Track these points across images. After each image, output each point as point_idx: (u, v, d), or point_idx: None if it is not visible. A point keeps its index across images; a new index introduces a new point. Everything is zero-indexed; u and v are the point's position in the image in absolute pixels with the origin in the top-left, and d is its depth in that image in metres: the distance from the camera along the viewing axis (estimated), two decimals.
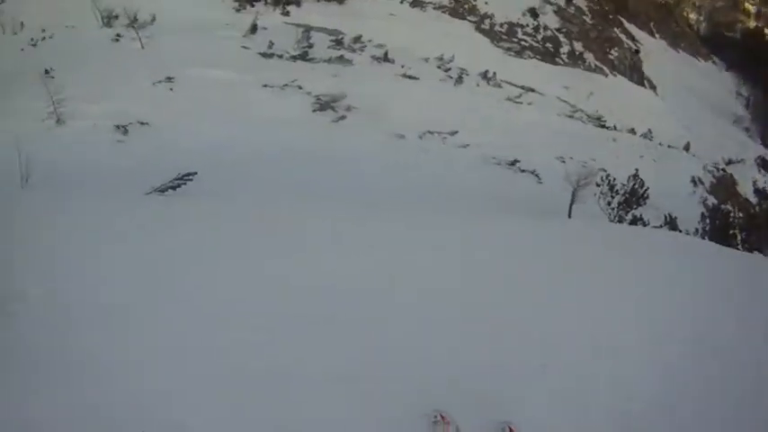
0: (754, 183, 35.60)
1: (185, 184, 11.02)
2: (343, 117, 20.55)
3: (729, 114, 61.99)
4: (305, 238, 7.62)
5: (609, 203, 17.21)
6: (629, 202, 17.43)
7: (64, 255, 6.22)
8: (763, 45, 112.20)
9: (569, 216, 16.85)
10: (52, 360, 4.43)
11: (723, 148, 40.45)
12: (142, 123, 17.39)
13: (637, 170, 18.57)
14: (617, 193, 17.33)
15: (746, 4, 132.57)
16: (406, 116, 21.84)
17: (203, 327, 5.19)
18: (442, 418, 4.57)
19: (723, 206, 27.53)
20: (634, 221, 16.84)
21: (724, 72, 78.88)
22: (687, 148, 35.21)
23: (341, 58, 26.95)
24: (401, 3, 38.42)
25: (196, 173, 11.20)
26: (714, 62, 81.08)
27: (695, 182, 29.11)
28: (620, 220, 16.98)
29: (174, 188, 10.82)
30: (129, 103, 18.32)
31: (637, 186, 17.72)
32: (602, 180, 17.64)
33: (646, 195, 17.74)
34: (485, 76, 31.68)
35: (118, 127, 17.17)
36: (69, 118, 17.12)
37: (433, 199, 15.12)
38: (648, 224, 16.64)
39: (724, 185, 31.45)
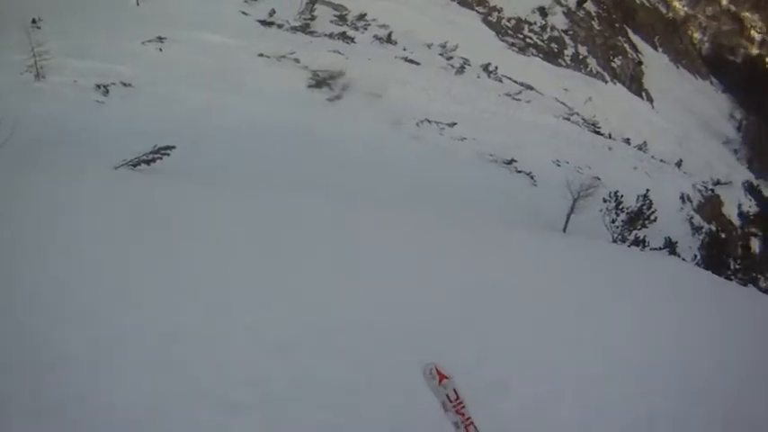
0: (740, 206, 35.69)
1: (161, 158, 9.92)
2: (338, 96, 19.76)
3: (721, 135, 62.68)
4: (277, 231, 7.22)
5: (613, 221, 16.77)
6: (634, 221, 16.95)
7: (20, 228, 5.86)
8: (761, 72, 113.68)
9: (565, 229, 16.44)
10: None
11: (712, 168, 40.57)
12: (125, 84, 16.45)
13: (647, 191, 18.18)
14: (622, 210, 16.88)
15: (752, 31, 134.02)
16: (404, 102, 21.27)
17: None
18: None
19: (707, 226, 27.78)
20: (636, 242, 16.46)
21: (720, 93, 79.73)
22: (679, 164, 35.30)
23: (343, 34, 26.23)
24: None
25: (174, 147, 10.04)
26: (711, 82, 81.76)
27: (683, 199, 29.21)
28: (623, 240, 16.61)
29: (147, 162, 9.77)
30: (115, 61, 17.32)
31: (644, 207, 17.26)
32: (609, 197, 17.16)
33: (653, 218, 17.27)
34: (486, 68, 31.18)
35: (99, 86, 16.19)
36: (50, 73, 16.14)
37: (423, 194, 14.44)
38: (648, 244, 16.47)
39: (710, 205, 31.82)
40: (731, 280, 16.04)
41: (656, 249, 16.49)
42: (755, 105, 77.28)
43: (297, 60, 20.26)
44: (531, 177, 20.72)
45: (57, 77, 16.06)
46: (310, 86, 19.30)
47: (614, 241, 16.34)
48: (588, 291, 8.51)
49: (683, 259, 16.66)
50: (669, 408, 5.71)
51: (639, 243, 16.38)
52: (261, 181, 10.84)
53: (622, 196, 17.06)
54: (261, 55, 19.33)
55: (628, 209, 16.90)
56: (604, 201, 16.91)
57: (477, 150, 20.76)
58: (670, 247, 16.81)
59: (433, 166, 17.47)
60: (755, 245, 28.51)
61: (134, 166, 9.50)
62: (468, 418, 4.42)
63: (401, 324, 5.58)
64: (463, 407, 4.43)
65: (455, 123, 21.59)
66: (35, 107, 13.70)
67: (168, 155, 9.78)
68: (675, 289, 10.33)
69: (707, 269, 15.79)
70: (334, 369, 4.75)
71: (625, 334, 7.27)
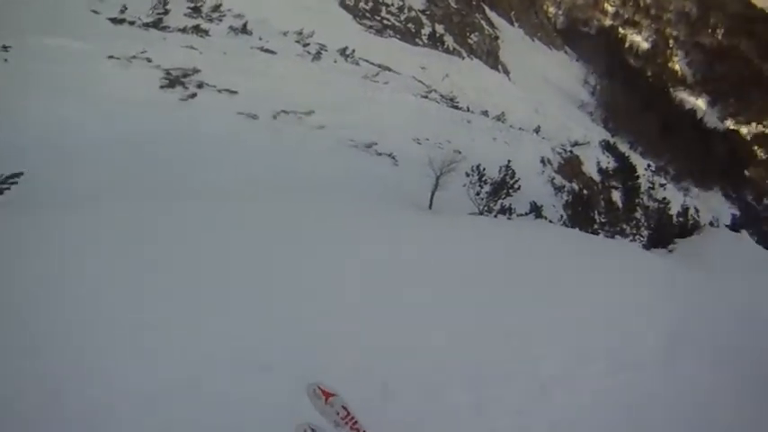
0: (598, 163, 38.66)
1: (9, 188, 9.22)
2: (193, 95, 19.25)
3: (576, 100, 66.55)
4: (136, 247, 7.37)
5: (478, 194, 17.51)
6: (498, 192, 17.83)
7: None
8: (613, 41, 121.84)
9: (430, 206, 16.91)
10: None
11: (570, 131, 42.85)
12: None
13: (509, 161, 19.07)
14: (485, 183, 17.69)
15: (606, 4, 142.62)
16: (261, 94, 21.25)
17: None
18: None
19: (569, 185, 29.59)
20: (502, 211, 17.40)
21: (574, 62, 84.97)
22: (537, 130, 37.14)
23: (197, 27, 25.50)
24: None
25: (22, 173, 9.45)
26: (566, 52, 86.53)
27: (544, 162, 31.16)
28: (489, 210, 17.41)
29: None
30: None
31: (507, 177, 18.20)
32: (472, 170, 17.90)
33: (516, 186, 18.23)
34: (343, 53, 31.63)
35: None
36: None
37: (284, 188, 14.66)
38: (515, 212, 17.52)
39: (570, 165, 33.96)
40: (598, 234, 17.62)
41: (522, 215, 17.59)
42: (608, 71, 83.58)
43: (149, 60, 19.68)
44: (393, 158, 21.27)
45: None
46: (163, 87, 18.69)
47: (481, 213, 17.09)
48: (455, 264, 9.14)
49: (550, 221, 17.86)
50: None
51: (506, 211, 17.39)
52: (114, 193, 10.78)
53: (484, 169, 17.87)
54: (111, 57, 18.58)
55: (491, 180, 17.78)
56: (467, 175, 17.66)
57: (336, 137, 21.05)
58: (536, 211, 18.05)
59: (292, 157, 17.62)
60: (617, 197, 30.83)
61: None
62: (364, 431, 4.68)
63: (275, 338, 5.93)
64: (356, 422, 4.73)
65: (312, 112, 21.82)
66: None
67: (16, 183, 9.33)
68: (545, 249, 11.52)
69: (574, 227, 17.19)
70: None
71: (495, 295, 8.22)
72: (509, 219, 16.81)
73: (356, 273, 7.97)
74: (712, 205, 63.73)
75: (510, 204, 17.87)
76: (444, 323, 7.08)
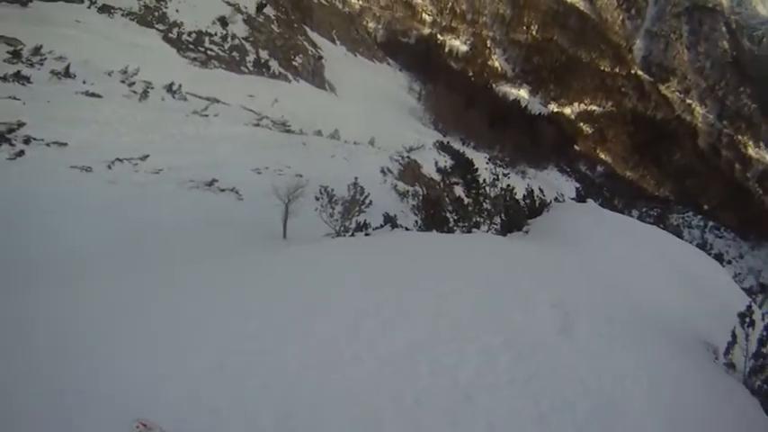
0: (436, 163, 41.32)
1: None
2: (21, 152, 18.32)
3: (404, 107, 69.35)
4: None
5: (331, 215, 17.75)
6: (351, 210, 18.15)
7: None
8: (433, 47, 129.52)
9: (284, 235, 17.21)
10: None
11: (404, 138, 45.34)
12: None
13: (356, 178, 19.13)
14: (336, 203, 17.91)
15: (424, 14, 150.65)
16: (92, 143, 20.80)
17: None
18: (144, 425, 4.97)
19: (413, 188, 30.83)
20: (359, 228, 17.62)
21: (398, 72, 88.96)
22: (372, 142, 39.01)
23: (17, 74, 24.45)
24: (88, 8, 37.14)
25: None
26: (389, 63, 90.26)
27: (384, 172, 32.32)
28: (346, 230, 17.71)
29: None
30: None
31: (357, 195, 18.48)
32: (320, 193, 18.01)
33: (368, 202, 18.67)
34: (170, 89, 31.57)
35: None
36: None
37: (125, 243, 14.24)
38: (370, 226, 17.73)
39: (410, 170, 35.38)
40: (454, 231, 17.83)
41: (378, 228, 17.73)
42: (430, 76, 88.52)
43: None
44: (237, 192, 21.35)
45: None
46: None
47: (338, 234, 17.40)
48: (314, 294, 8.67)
49: (406, 228, 18.05)
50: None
51: (362, 228, 17.62)
52: None
53: (333, 190, 18.08)
54: None
55: (342, 200, 18.04)
56: (317, 198, 17.89)
57: (175, 179, 20.85)
58: (390, 221, 18.25)
59: (130, 207, 17.20)
60: (460, 192, 32.54)
61: None
62: None
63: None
64: None
65: (147, 156, 21.61)
66: None
67: None
68: (407, 257, 11.39)
69: (430, 230, 17.44)
70: None
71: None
72: (367, 234, 16.75)
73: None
74: (552, 182, 68.86)
75: (365, 220, 18.06)
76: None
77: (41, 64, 27.30)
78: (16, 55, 26.79)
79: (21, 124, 19.81)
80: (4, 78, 23.87)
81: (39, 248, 12.96)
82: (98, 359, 6.34)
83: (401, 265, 10.58)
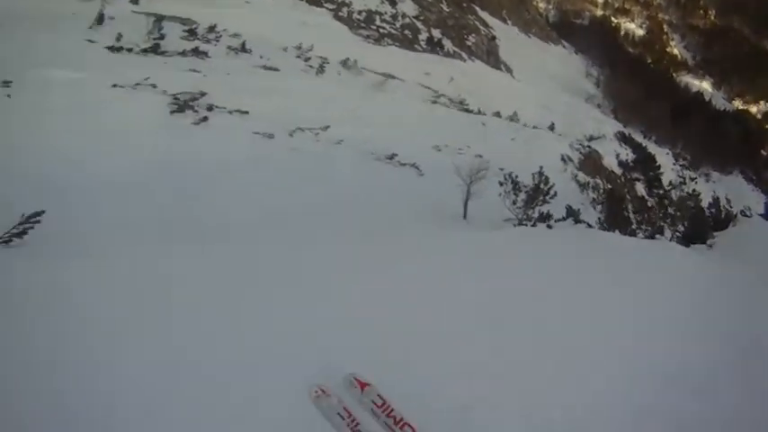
0: (617, 156, 37.48)
1: (32, 227, 8.42)
2: (205, 118, 18.21)
3: (582, 93, 65.12)
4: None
5: (514, 202, 16.79)
6: (534, 199, 17.01)
7: None
8: (609, 30, 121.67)
9: (465, 215, 16.25)
10: None
11: (583, 126, 42.04)
12: None
13: (541, 167, 18.17)
14: (520, 190, 16.93)
15: None
16: (272, 112, 20.33)
17: None
18: (323, 391, 4.92)
19: (593, 180, 28.67)
20: (541, 218, 16.41)
21: (574, 55, 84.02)
22: (552, 128, 36.15)
23: (196, 50, 24.82)
24: None
25: (44, 212, 8.62)
26: (564, 46, 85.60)
27: (565, 160, 29.82)
28: (528, 219, 16.61)
29: (19, 235, 8.26)
30: None
31: (542, 184, 17.34)
32: (505, 179, 17.20)
33: (551, 193, 17.39)
34: (345, 64, 30.93)
35: None
36: None
37: (308, 211, 13.76)
38: (552, 217, 16.51)
39: (591, 161, 32.56)
40: (636, 235, 16.55)
41: (560, 220, 16.45)
42: (608, 61, 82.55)
43: (153, 86, 18.66)
44: (417, 168, 20.29)
45: None
46: (173, 112, 17.75)
47: (520, 222, 16.29)
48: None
49: (588, 225, 16.70)
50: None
51: (545, 218, 16.34)
52: (131, 237, 9.78)
53: (517, 176, 17.04)
54: (115, 86, 17.52)
55: (525, 188, 16.95)
56: (500, 184, 16.90)
57: (356, 150, 20.10)
58: (573, 215, 16.78)
59: (314, 176, 16.69)
60: (641, 190, 29.97)
61: (6, 242, 8.14)
62: (401, 419, 4.76)
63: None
64: (392, 410, 4.83)
65: (328, 126, 20.88)
66: None
67: (39, 221, 8.47)
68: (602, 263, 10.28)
69: (611, 229, 16.25)
70: None
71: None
72: (549, 227, 15.53)
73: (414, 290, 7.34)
74: (737, 190, 62.06)
75: (548, 211, 16.86)
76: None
77: (217, 41, 27.51)
78: (192, 33, 27.20)
79: (203, 93, 19.69)
80: (183, 53, 24.33)
81: (224, 214, 12.35)
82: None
83: (591, 270, 9.72)
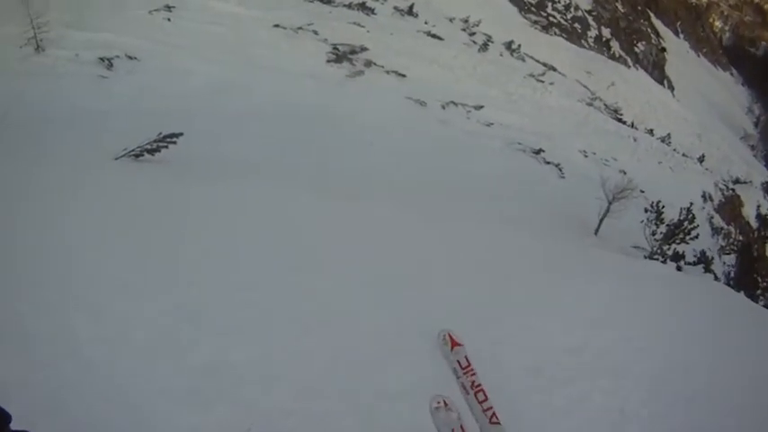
0: (758, 207, 34.19)
1: (167, 147, 8.47)
2: (360, 72, 17.90)
3: (739, 130, 60.14)
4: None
5: (653, 233, 15.49)
6: (674, 235, 15.64)
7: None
8: None
9: (597, 231, 15.19)
10: None
11: (731, 165, 38.72)
12: (131, 58, 14.35)
13: (691, 204, 16.90)
14: (663, 222, 15.62)
15: None
16: (429, 80, 19.79)
17: None
18: (445, 404, 4.89)
19: (727, 227, 26.49)
20: (674, 258, 15.09)
21: (739, 86, 77.52)
22: (701, 159, 33.49)
23: (363, 5, 24.37)
24: None
25: (181, 134, 8.63)
26: (732, 74, 79.33)
27: (705, 198, 27.60)
28: (662, 254, 15.28)
29: (151, 152, 8.36)
30: (120, 32, 15.21)
31: (687, 222, 15.95)
32: (651, 206, 15.96)
33: (694, 235, 15.98)
34: (509, 46, 29.64)
35: (102, 60, 14.08)
36: (50, 46, 14.07)
37: (449, 186, 13.36)
38: (684, 258, 15.22)
39: (731, 205, 30.37)
40: (758, 301, 15.16)
41: (691, 264, 15.25)
42: None
43: (315, 33, 18.51)
44: (560, 169, 19.22)
45: (57, 51, 14.08)
46: (330, 61, 17.53)
47: (652, 254, 15.06)
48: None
49: (716, 277, 15.59)
50: None
51: (677, 258, 15.06)
52: (272, 171, 9.71)
53: (663, 207, 15.84)
54: (277, 26, 17.48)
55: (670, 222, 15.69)
56: (646, 211, 15.80)
57: (504, 136, 19.23)
58: (705, 262, 15.51)
59: (460, 153, 16.04)
60: None
61: (137, 156, 8.10)
62: (479, 385, 5.01)
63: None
64: (474, 373, 5.10)
65: (482, 107, 20.05)
66: (34, 83, 12.19)
67: (174, 143, 8.35)
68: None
69: (738, 289, 14.90)
70: None
71: None
72: (679, 269, 14.27)
73: None
74: None
75: (683, 251, 15.51)
76: None
77: (385, 0, 26.72)
78: None
79: (363, 48, 19.45)
80: (349, 6, 23.93)
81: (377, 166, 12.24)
82: None
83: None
